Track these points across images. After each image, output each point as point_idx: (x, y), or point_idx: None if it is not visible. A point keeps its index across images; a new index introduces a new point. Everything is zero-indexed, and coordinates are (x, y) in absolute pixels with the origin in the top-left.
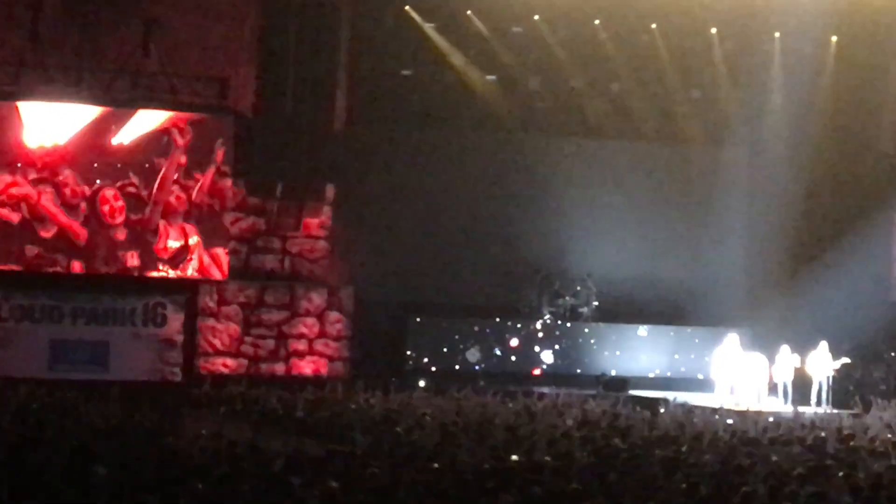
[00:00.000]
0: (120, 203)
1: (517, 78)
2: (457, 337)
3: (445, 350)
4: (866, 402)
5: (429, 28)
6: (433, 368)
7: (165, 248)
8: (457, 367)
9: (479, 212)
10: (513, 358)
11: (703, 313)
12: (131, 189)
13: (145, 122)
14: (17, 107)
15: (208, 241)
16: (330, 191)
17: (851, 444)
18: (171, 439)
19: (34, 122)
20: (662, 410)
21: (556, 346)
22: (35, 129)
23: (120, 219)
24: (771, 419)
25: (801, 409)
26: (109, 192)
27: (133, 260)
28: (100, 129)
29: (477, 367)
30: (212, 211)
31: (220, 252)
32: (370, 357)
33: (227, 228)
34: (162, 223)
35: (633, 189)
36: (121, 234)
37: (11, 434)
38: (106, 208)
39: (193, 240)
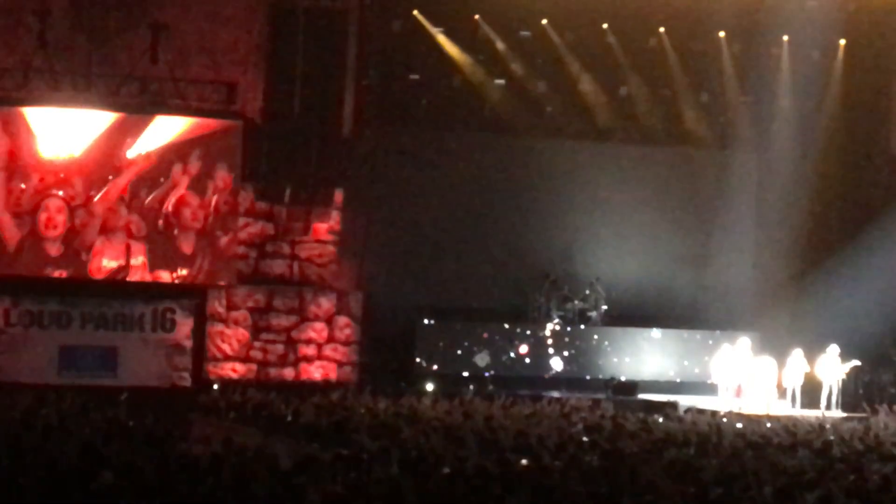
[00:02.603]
0: (62, 216)
1: (525, 82)
2: (466, 342)
3: (454, 354)
4: (876, 406)
5: (437, 32)
6: (442, 373)
7: (99, 269)
8: (465, 372)
9: (487, 216)
10: (522, 362)
11: (711, 317)
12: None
13: (160, 134)
14: (24, 115)
15: (155, 264)
16: (338, 195)
17: (860, 447)
18: (181, 444)
19: (46, 132)
20: (671, 414)
21: (565, 352)
22: (48, 139)
23: (55, 232)
24: (780, 423)
25: (810, 412)
26: (54, 203)
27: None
28: (114, 141)
29: (486, 373)
30: (165, 231)
31: (166, 276)
32: (379, 362)
33: (184, 252)
34: (100, 240)
35: (641, 192)
36: (54, 249)
37: (20, 439)
38: (44, 217)
39: (137, 260)
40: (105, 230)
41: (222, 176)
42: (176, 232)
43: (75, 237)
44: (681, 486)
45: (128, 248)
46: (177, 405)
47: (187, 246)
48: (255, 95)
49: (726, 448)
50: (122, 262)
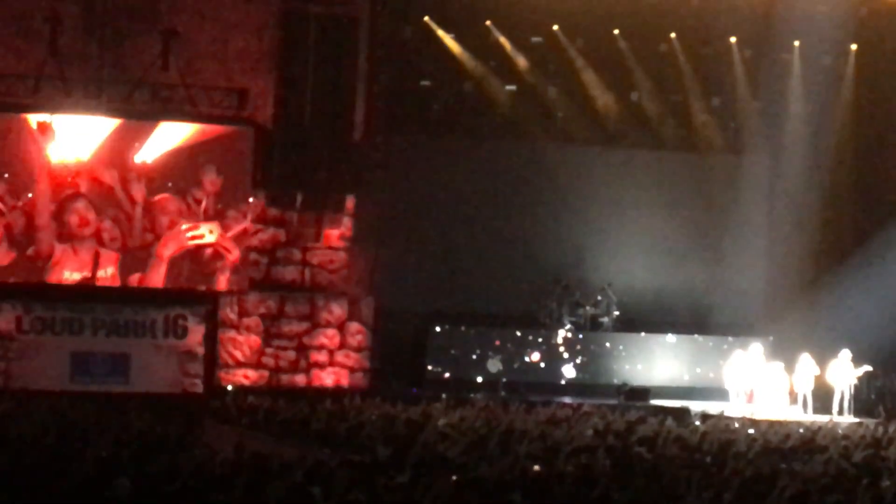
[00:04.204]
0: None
1: (536, 87)
2: (478, 348)
3: (466, 361)
4: (889, 411)
5: (448, 38)
6: (454, 379)
7: (59, 281)
8: (479, 378)
9: (498, 221)
10: (534, 368)
11: (723, 322)
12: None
13: (167, 138)
14: (27, 120)
15: (127, 276)
16: (350, 202)
17: (874, 452)
18: (193, 451)
19: (53, 138)
20: (683, 420)
21: (577, 358)
22: (55, 145)
23: None
24: (792, 428)
25: (822, 417)
26: None
27: None
28: (122, 146)
29: (498, 379)
30: (142, 239)
31: None
32: (391, 368)
33: (164, 262)
34: (60, 248)
35: (652, 198)
36: (1, 257)
37: (33, 447)
38: None
39: (106, 272)
40: (68, 238)
41: (211, 180)
42: (151, 239)
43: (29, 244)
44: (694, 492)
45: (96, 257)
46: (189, 411)
47: (164, 255)
48: (267, 102)
49: (739, 454)
50: (86, 273)
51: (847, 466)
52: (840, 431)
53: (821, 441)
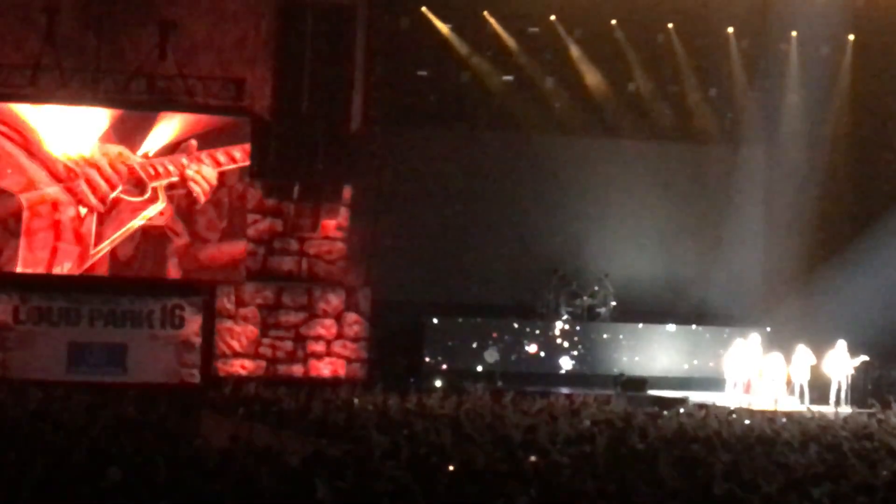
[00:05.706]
0: None
1: (533, 78)
2: (474, 339)
3: (463, 351)
4: (885, 401)
5: (445, 28)
6: (451, 370)
7: None
8: (479, 367)
9: (495, 212)
10: (531, 359)
11: (720, 313)
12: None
13: (167, 131)
14: (19, 114)
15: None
16: (347, 192)
17: (869, 443)
18: (189, 441)
19: (52, 130)
20: (680, 410)
21: (574, 349)
22: (56, 138)
23: None
24: (788, 419)
25: (819, 408)
26: None
27: None
28: (123, 139)
29: (495, 370)
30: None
31: None
32: (388, 358)
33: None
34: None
35: (650, 188)
36: None
37: (30, 436)
38: None
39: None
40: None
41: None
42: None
43: None
44: (690, 482)
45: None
46: (186, 402)
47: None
48: (264, 92)
49: (735, 444)
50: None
51: (843, 457)
52: (836, 421)
53: (816, 431)
